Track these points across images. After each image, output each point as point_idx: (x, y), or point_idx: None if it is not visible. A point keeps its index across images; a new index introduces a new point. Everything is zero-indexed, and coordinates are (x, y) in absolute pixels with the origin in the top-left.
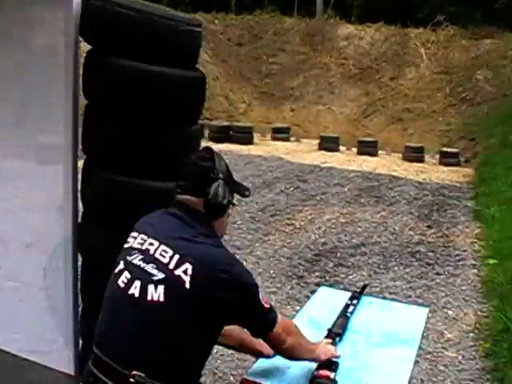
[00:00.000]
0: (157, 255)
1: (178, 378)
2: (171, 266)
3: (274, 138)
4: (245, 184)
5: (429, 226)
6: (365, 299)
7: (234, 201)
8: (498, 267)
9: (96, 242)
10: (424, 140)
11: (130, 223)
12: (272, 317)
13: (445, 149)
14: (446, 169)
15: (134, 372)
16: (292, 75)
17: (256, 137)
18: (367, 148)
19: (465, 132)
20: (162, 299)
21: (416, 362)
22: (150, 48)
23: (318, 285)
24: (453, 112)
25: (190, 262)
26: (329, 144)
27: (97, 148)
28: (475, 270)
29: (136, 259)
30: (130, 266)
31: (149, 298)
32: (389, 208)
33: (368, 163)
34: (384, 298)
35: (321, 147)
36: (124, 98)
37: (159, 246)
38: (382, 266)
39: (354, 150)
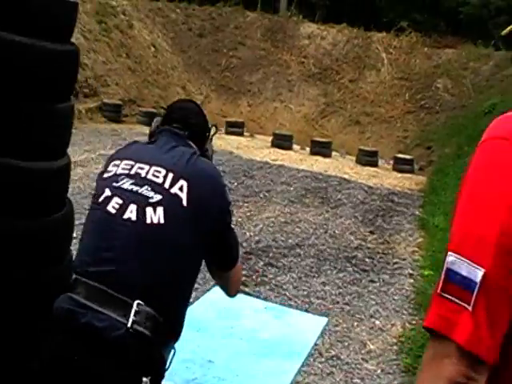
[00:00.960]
0: (149, 176)
1: (169, 310)
2: (167, 185)
3: (227, 132)
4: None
5: (371, 232)
6: (260, 303)
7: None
8: (433, 278)
9: None
10: (380, 145)
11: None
12: (237, 249)
13: (399, 155)
14: (399, 175)
15: (138, 301)
16: (251, 70)
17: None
18: (321, 148)
19: (421, 140)
20: (162, 221)
21: (330, 373)
22: (10, 16)
23: (244, 284)
24: (411, 119)
25: (185, 178)
26: (282, 142)
27: None
28: (411, 280)
29: (126, 184)
30: (119, 191)
31: (148, 220)
32: (333, 210)
33: (320, 164)
34: (289, 304)
35: (274, 144)
36: None
37: (150, 167)
38: (314, 269)
39: (308, 149)
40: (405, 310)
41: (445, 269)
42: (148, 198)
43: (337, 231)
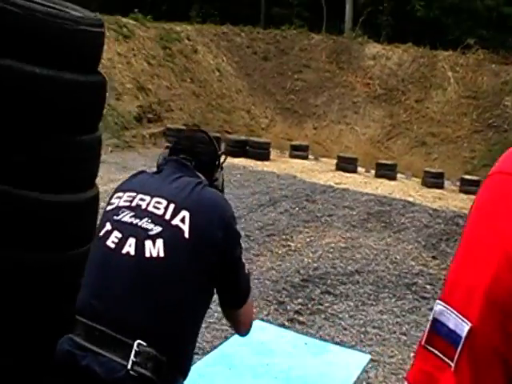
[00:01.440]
0: (150, 208)
1: (173, 348)
2: (167, 217)
3: (292, 156)
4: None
5: (434, 257)
6: (300, 338)
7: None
8: None
9: None
10: (447, 166)
11: (24, 238)
12: (249, 280)
13: (466, 176)
14: (465, 197)
15: (138, 341)
16: (316, 92)
17: (274, 153)
18: (386, 171)
19: (490, 159)
20: (161, 254)
21: None
22: (32, 48)
23: (299, 313)
24: (478, 138)
25: (187, 209)
26: (346, 164)
27: None
28: None
29: (126, 217)
30: (119, 225)
31: (147, 254)
32: (395, 235)
33: (384, 187)
34: (329, 339)
35: (338, 167)
36: (7, 102)
37: (151, 199)
38: (372, 297)
39: (373, 172)
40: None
41: (431, 319)
42: (147, 230)
43: (398, 257)
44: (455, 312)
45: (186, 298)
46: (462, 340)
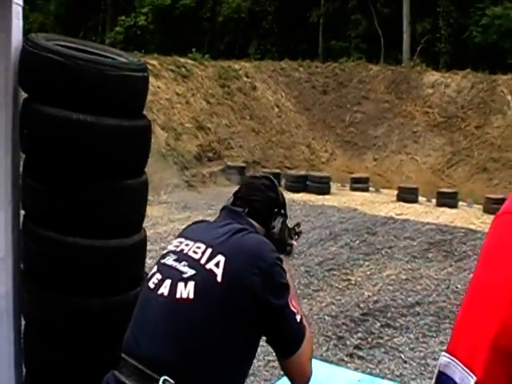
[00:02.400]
0: (190, 253)
1: None
2: (203, 261)
3: (352, 188)
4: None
5: None
6: (354, 375)
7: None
8: None
9: (33, 301)
10: (509, 191)
11: (69, 283)
12: (301, 329)
13: None
14: None
15: (164, 377)
16: (376, 124)
17: (335, 187)
18: (447, 199)
19: None
20: (191, 296)
21: None
22: (77, 95)
23: (358, 347)
24: None
25: (223, 254)
26: (407, 195)
27: (29, 202)
28: None
29: (169, 260)
30: (162, 267)
31: (178, 295)
32: (457, 264)
33: (445, 215)
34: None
35: (399, 198)
36: (52, 150)
37: (194, 244)
38: (433, 329)
39: (434, 201)
40: None
41: (437, 371)
42: (182, 273)
43: (459, 286)
44: (461, 364)
45: (213, 340)
46: None
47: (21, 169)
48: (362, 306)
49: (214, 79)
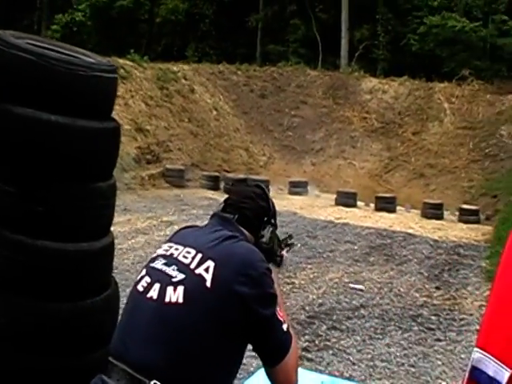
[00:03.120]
0: (180, 257)
1: None
2: (192, 266)
3: (291, 192)
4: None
5: (437, 288)
6: (317, 377)
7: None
8: None
9: (1, 306)
10: (445, 196)
11: (38, 288)
12: (287, 338)
13: (464, 206)
14: (465, 226)
15: (154, 381)
16: (314, 128)
17: (273, 190)
18: (385, 204)
19: (487, 189)
20: (180, 300)
21: None
22: (49, 96)
23: (307, 349)
24: (476, 168)
25: (213, 259)
26: (346, 199)
27: None
28: None
29: (158, 264)
30: (151, 271)
31: (167, 299)
32: (398, 267)
33: (384, 220)
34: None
35: (338, 202)
36: (21, 151)
37: (184, 248)
38: (378, 331)
39: (372, 205)
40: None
41: (470, 366)
42: (172, 277)
43: (402, 289)
44: (494, 359)
45: (202, 345)
46: None
47: None
48: (307, 308)
49: (152, 81)
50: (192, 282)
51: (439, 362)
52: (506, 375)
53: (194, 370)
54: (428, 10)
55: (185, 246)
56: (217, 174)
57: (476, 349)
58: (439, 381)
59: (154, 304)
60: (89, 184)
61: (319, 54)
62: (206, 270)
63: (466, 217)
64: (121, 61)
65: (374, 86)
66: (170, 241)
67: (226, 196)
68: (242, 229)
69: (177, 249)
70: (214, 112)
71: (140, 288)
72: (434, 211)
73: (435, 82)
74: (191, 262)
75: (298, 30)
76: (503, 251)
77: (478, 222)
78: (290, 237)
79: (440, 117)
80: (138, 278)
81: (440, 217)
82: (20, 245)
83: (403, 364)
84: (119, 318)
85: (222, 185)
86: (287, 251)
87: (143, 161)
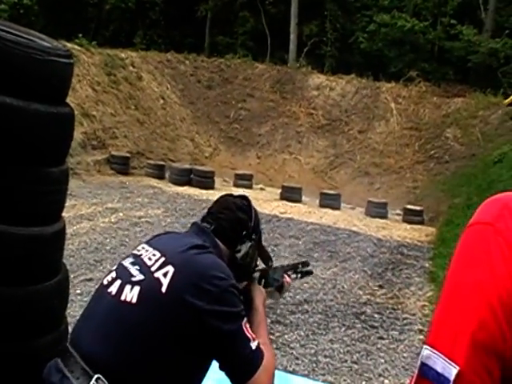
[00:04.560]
0: (145, 259)
1: None
2: (153, 269)
3: (236, 185)
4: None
5: (380, 286)
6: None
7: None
8: None
9: None
10: (390, 196)
11: None
12: (256, 356)
13: (409, 206)
14: (408, 226)
15: (98, 375)
16: (260, 122)
17: (218, 182)
18: (330, 201)
19: (431, 190)
20: (134, 300)
21: None
22: (4, 78)
23: None
24: (421, 169)
25: (173, 265)
26: (291, 194)
27: None
28: (421, 336)
29: (127, 262)
30: (119, 267)
31: (122, 297)
32: (341, 264)
33: (329, 216)
34: (291, 371)
35: (282, 197)
36: None
37: (152, 250)
38: (322, 327)
39: (317, 201)
40: (414, 368)
41: (419, 363)
42: (132, 275)
43: (345, 286)
44: (442, 356)
45: (150, 349)
46: (451, 383)
47: None
48: None
49: (100, 67)
50: (149, 284)
51: (382, 360)
52: (454, 371)
53: (139, 372)
54: (377, 10)
55: (154, 249)
56: (162, 162)
57: (425, 346)
58: (382, 378)
59: (112, 300)
60: (42, 169)
61: (267, 47)
62: (165, 274)
63: (410, 217)
64: (69, 45)
65: (321, 82)
66: (146, 242)
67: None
68: (218, 241)
69: (147, 250)
70: (161, 101)
71: (105, 282)
72: (378, 210)
73: (382, 82)
74: (153, 265)
75: (246, 23)
76: (454, 250)
77: (421, 222)
78: (306, 264)
79: (386, 116)
80: (108, 272)
81: (384, 216)
82: None
83: (346, 360)
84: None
85: (167, 174)
86: (295, 278)
87: (89, 146)
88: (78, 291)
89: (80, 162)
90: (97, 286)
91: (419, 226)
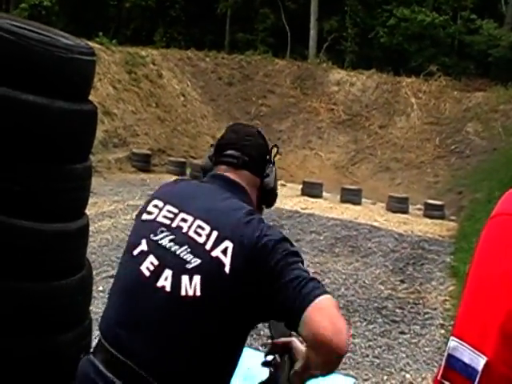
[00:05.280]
0: (191, 233)
1: None
2: (208, 247)
3: None
4: None
5: (401, 281)
6: None
7: None
8: None
9: None
10: (411, 191)
11: (12, 268)
12: (316, 285)
13: (430, 201)
14: (429, 221)
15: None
16: (281, 118)
17: None
18: (351, 196)
19: (452, 185)
20: (198, 293)
21: None
22: (27, 76)
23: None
24: (441, 164)
25: (230, 239)
26: (312, 190)
27: None
28: (443, 331)
29: (165, 239)
30: (156, 249)
31: (182, 292)
32: (363, 259)
33: (350, 211)
34: None
35: (304, 193)
36: None
37: (194, 220)
38: None
39: (338, 197)
40: (436, 363)
41: (446, 354)
42: (185, 262)
43: (367, 281)
44: (470, 347)
45: (217, 346)
46: (479, 374)
47: None
48: None
49: (120, 65)
50: (209, 268)
51: (403, 355)
52: (482, 362)
53: (205, 371)
54: (397, 4)
55: (195, 218)
56: (183, 159)
57: (452, 337)
58: (403, 373)
59: (167, 297)
60: (65, 166)
61: (288, 43)
62: (224, 252)
63: (431, 212)
64: (89, 43)
65: (341, 77)
66: (168, 202)
67: (220, 137)
68: (248, 173)
69: (184, 220)
70: (182, 98)
71: (145, 271)
72: (399, 205)
73: (403, 77)
74: (206, 242)
75: (266, 19)
76: (476, 244)
77: (442, 217)
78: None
79: (407, 111)
80: (137, 251)
81: (405, 211)
82: None
83: (368, 355)
84: (112, 293)
85: (188, 171)
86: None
87: (110, 144)
88: (101, 288)
89: (101, 160)
90: (128, 275)
91: (440, 221)
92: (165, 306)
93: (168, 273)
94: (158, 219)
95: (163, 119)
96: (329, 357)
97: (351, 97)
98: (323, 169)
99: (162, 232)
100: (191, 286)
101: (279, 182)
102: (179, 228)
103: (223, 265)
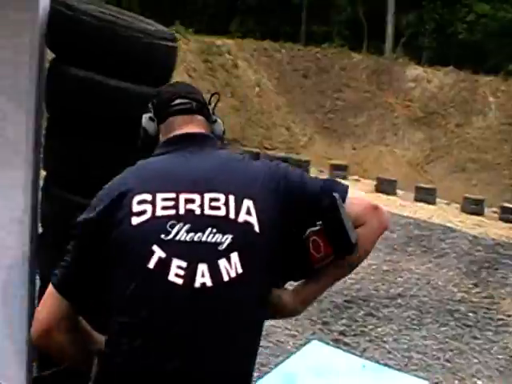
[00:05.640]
0: (208, 211)
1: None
2: (232, 215)
3: (331, 175)
4: None
5: (475, 284)
6: (357, 361)
7: None
8: None
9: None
10: (487, 193)
11: None
12: (341, 184)
13: (506, 204)
14: (505, 225)
15: None
16: (356, 112)
17: (313, 171)
18: (425, 195)
19: None
20: (239, 270)
21: None
22: (110, 60)
23: (343, 333)
24: None
25: (249, 197)
26: (386, 186)
27: (51, 163)
28: None
29: (181, 233)
30: (177, 249)
31: (225, 278)
32: (436, 260)
33: (423, 211)
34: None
35: (377, 189)
36: (80, 113)
37: (202, 196)
38: (415, 322)
39: (412, 195)
40: (509, 371)
41: None
42: (217, 244)
43: (440, 282)
44: None
45: (259, 325)
46: None
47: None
48: (345, 292)
49: (196, 54)
50: (242, 237)
51: (475, 360)
52: None
53: (248, 359)
54: None
55: (201, 193)
56: (257, 150)
57: None
58: (474, 379)
59: (212, 293)
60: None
61: (364, 37)
62: (248, 212)
63: (507, 215)
64: None
65: (418, 74)
66: (155, 190)
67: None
68: (214, 137)
69: (190, 200)
70: (257, 88)
71: (176, 280)
72: (474, 207)
73: (481, 75)
74: (228, 212)
75: (343, 11)
76: None
77: None
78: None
79: (484, 111)
80: (154, 262)
81: (480, 213)
82: (73, 205)
83: (439, 358)
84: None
85: None
86: None
87: None
88: None
89: None
90: (156, 298)
91: None
92: (213, 304)
93: (203, 267)
94: (156, 214)
95: (238, 109)
96: (382, 222)
97: (428, 94)
98: (397, 166)
99: (174, 226)
100: (232, 267)
101: (353, 177)
102: (190, 212)
103: (252, 225)
